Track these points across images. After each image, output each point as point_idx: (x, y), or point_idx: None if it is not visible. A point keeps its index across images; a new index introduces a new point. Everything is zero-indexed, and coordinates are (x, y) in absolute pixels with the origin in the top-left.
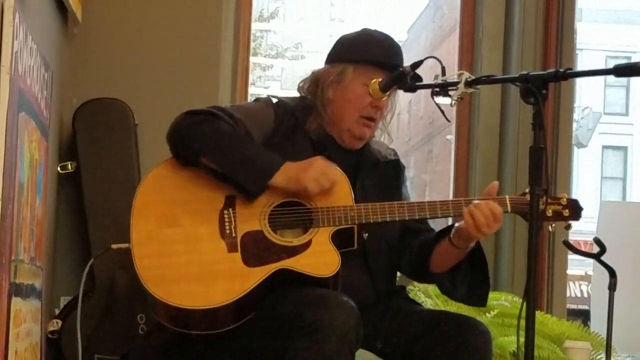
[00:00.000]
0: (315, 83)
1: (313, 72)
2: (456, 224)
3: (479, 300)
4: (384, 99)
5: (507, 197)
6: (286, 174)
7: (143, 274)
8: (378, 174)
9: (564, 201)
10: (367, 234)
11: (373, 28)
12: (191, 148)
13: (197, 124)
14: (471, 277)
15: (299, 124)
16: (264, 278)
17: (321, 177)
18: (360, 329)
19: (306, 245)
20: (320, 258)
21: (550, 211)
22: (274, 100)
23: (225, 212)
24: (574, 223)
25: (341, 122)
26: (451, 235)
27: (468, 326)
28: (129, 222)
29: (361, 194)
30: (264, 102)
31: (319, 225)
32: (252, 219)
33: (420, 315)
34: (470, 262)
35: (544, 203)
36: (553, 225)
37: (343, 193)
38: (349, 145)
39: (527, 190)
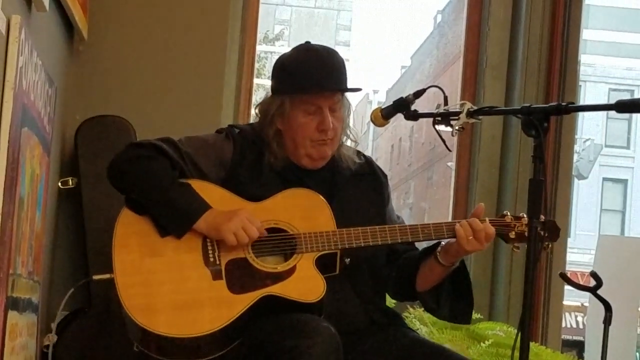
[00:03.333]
0: (263, 114)
1: (262, 102)
2: (442, 242)
3: (463, 318)
4: (333, 117)
5: (486, 219)
6: (208, 221)
7: (128, 304)
8: (355, 187)
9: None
10: (349, 259)
11: (312, 44)
12: (123, 183)
13: (134, 160)
14: (454, 296)
15: (262, 154)
16: (250, 305)
17: (239, 231)
18: (341, 354)
19: (291, 271)
20: (305, 283)
21: (513, 232)
22: (236, 131)
23: (208, 240)
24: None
25: (297, 150)
26: (437, 252)
27: None
28: (111, 253)
29: (339, 209)
30: (223, 135)
31: (302, 251)
32: (235, 247)
33: (421, 350)
34: (453, 281)
35: (523, 225)
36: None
37: (324, 218)
38: (313, 167)
39: (505, 212)
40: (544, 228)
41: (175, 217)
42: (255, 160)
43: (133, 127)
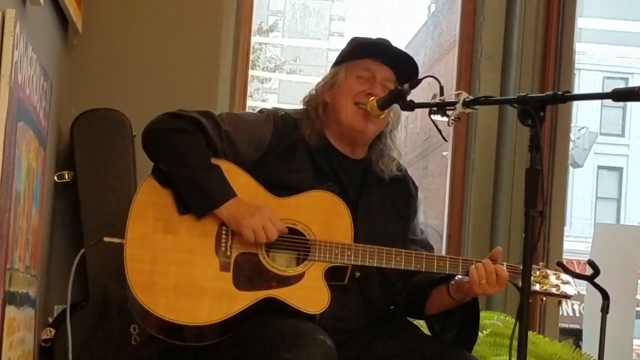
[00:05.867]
0: (313, 95)
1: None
2: (458, 276)
3: (464, 347)
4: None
5: (504, 263)
6: (230, 211)
7: (132, 278)
8: (384, 193)
9: (558, 277)
10: (359, 273)
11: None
12: (155, 152)
13: (170, 131)
14: (460, 326)
15: (300, 139)
16: (250, 304)
17: (258, 230)
18: None
19: (299, 277)
20: (310, 293)
21: (544, 286)
22: (280, 114)
23: (224, 228)
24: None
25: (339, 116)
26: (450, 284)
27: None
28: (126, 219)
29: (364, 211)
30: (265, 116)
31: (314, 258)
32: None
33: (420, 347)
34: (462, 312)
35: (540, 276)
36: (544, 299)
37: (343, 229)
38: (352, 140)
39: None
40: (559, 285)
41: (199, 197)
42: (291, 145)
43: (129, 120)
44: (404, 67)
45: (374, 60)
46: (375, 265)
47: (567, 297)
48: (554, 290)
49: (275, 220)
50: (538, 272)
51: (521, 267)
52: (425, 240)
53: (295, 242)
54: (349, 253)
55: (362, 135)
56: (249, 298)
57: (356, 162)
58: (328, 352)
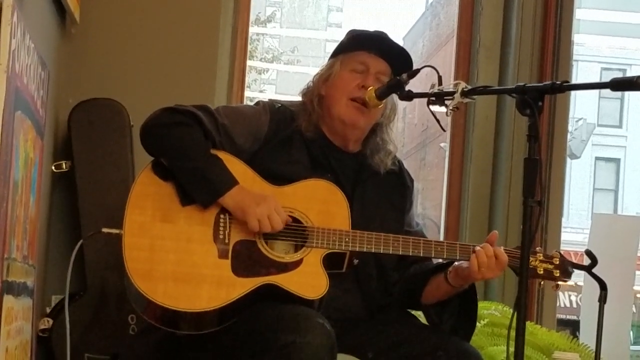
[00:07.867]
0: (310, 87)
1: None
2: (455, 262)
3: (462, 337)
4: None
5: (501, 248)
6: (235, 199)
7: (130, 266)
8: (379, 186)
9: (556, 261)
10: (357, 260)
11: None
12: (155, 147)
13: (169, 126)
14: (458, 316)
15: (297, 131)
16: (249, 290)
17: (264, 219)
18: (335, 352)
19: (297, 264)
20: (308, 279)
21: (541, 269)
22: (277, 106)
23: (222, 216)
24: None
25: (332, 110)
26: (448, 271)
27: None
28: (124, 210)
29: (359, 204)
30: (262, 108)
31: (312, 245)
32: (247, 228)
33: (420, 336)
34: (460, 301)
35: (537, 260)
36: (542, 283)
37: (341, 217)
38: (344, 134)
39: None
40: (557, 268)
41: (202, 186)
42: (288, 137)
43: (126, 110)
44: (399, 61)
45: (369, 53)
46: (373, 250)
47: (564, 280)
48: (551, 273)
49: (281, 210)
50: (536, 256)
51: (519, 251)
52: (420, 233)
53: (293, 229)
54: (347, 239)
55: (353, 129)
56: (247, 284)
57: (351, 155)
58: (327, 336)
